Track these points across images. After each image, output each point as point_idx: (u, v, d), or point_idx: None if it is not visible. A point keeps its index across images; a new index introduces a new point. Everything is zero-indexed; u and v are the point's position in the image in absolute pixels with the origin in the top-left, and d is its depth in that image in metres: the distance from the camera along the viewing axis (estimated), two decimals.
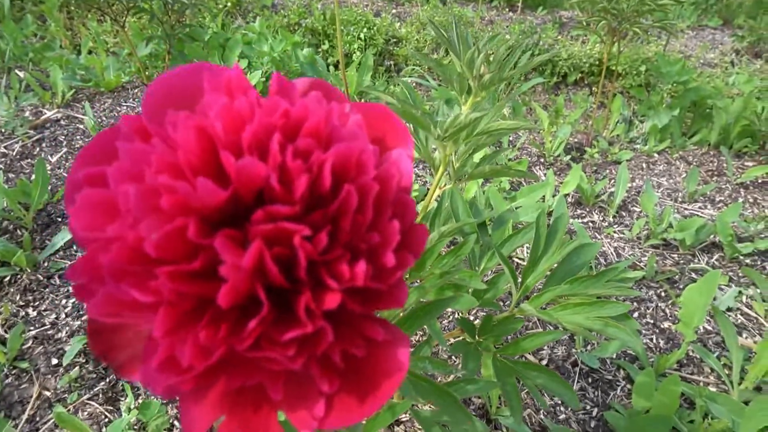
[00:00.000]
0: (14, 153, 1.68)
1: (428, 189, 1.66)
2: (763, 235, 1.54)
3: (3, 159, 1.64)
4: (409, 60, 2.52)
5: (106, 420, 0.98)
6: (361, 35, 2.45)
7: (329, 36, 2.52)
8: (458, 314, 1.23)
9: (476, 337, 0.72)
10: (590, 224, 1.62)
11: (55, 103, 1.96)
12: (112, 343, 0.25)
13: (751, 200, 1.76)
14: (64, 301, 1.21)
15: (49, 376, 1.05)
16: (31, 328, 1.15)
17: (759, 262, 1.47)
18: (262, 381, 0.23)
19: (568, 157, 1.92)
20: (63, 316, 1.18)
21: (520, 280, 0.72)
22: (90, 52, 2.34)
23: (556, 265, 0.73)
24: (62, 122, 1.87)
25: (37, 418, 0.98)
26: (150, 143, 0.22)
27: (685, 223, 1.50)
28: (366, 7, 3.14)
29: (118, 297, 0.21)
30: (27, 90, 2.02)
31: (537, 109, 2.09)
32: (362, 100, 2.04)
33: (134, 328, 0.25)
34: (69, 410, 0.99)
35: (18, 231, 1.37)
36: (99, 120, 1.90)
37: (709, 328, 1.25)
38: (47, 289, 1.24)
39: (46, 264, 1.29)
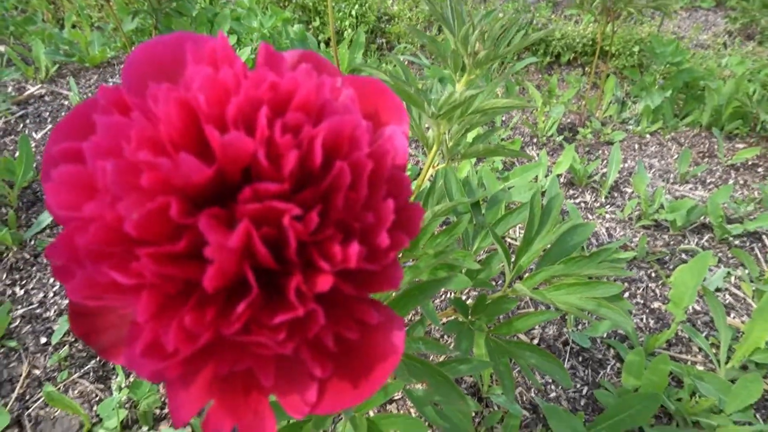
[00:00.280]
0: None
1: (420, 169, 1.65)
2: (752, 217, 1.55)
3: None
4: (401, 38, 2.48)
5: (97, 398, 0.97)
6: (353, 12, 2.40)
7: (320, 13, 2.47)
8: (451, 294, 1.23)
9: (469, 316, 0.72)
10: (582, 204, 1.62)
11: (39, 79, 1.91)
12: (94, 325, 0.24)
13: (741, 182, 1.77)
14: (51, 280, 1.19)
15: (38, 354, 1.04)
16: (19, 306, 1.13)
17: (748, 243, 1.48)
18: (251, 366, 0.22)
19: (561, 137, 1.91)
20: (51, 294, 1.16)
21: (513, 260, 0.71)
22: (74, 26, 2.28)
23: (549, 245, 0.72)
24: (46, 98, 1.83)
25: (27, 397, 0.97)
26: (129, 117, 0.21)
27: (676, 204, 1.50)
28: None
29: (98, 279, 0.20)
30: (9, 65, 1.97)
31: (530, 88, 2.07)
32: None
33: (117, 311, 0.24)
34: (59, 389, 0.98)
35: (2, 209, 1.35)
36: (84, 96, 1.85)
37: (698, 308, 1.26)
38: (34, 268, 1.22)
39: (32, 242, 1.27)
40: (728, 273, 1.36)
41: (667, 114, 2.06)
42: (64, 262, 0.21)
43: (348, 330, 0.22)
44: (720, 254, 1.44)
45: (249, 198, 0.20)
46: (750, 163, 1.86)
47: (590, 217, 1.57)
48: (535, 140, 1.93)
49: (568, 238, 0.74)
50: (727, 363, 1.04)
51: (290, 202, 0.20)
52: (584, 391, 1.06)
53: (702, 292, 1.23)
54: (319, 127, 0.21)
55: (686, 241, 1.48)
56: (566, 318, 1.19)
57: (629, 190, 1.69)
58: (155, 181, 0.19)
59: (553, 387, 1.06)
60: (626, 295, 1.29)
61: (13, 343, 1.05)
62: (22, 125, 1.68)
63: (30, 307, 1.13)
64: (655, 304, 1.27)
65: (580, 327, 1.18)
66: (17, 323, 1.10)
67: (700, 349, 1.16)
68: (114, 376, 1.01)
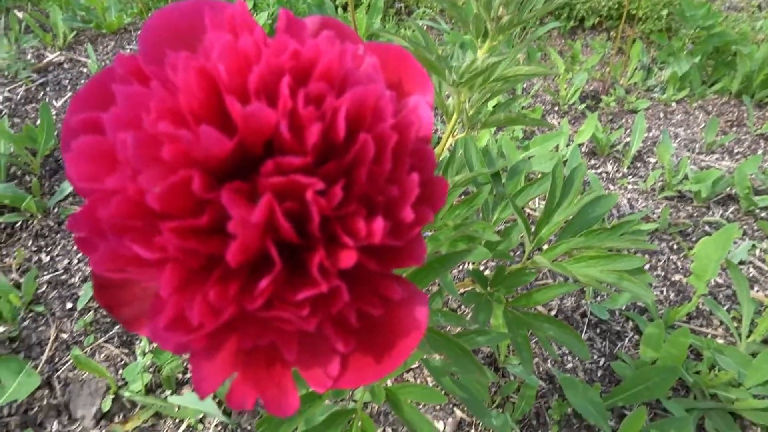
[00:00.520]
0: (18, 97, 1.65)
1: (440, 138, 1.63)
2: None
3: (8, 103, 1.62)
4: (420, 2, 2.41)
5: (122, 362, 1.00)
6: None
7: None
8: (470, 265, 1.23)
9: (488, 288, 0.71)
10: (604, 175, 1.59)
11: (57, 46, 1.90)
12: (117, 298, 0.24)
13: None
14: (75, 248, 1.22)
15: (65, 319, 1.07)
16: (45, 273, 1.16)
17: None
18: (274, 340, 0.22)
19: (584, 105, 1.86)
20: (75, 261, 1.19)
21: (533, 231, 0.70)
22: None
23: (571, 216, 0.71)
24: (65, 65, 1.83)
25: (56, 359, 1.01)
26: (148, 86, 0.20)
27: (702, 174, 1.46)
28: None
29: (120, 252, 0.20)
30: (27, 31, 1.97)
31: (553, 54, 2.01)
32: None
33: (140, 283, 0.24)
34: (86, 353, 1.02)
35: (26, 177, 1.37)
36: (102, 63, 1.85)
37: (720, 281, 1.24)
38: (58, 235, 1.24)
39: (56, 210, 1.29)
40: (753, 246, 1.33)
41: (695, 81, 1.99)
42: (86, 234, 0.21)
43: (371, 306, 0.22)
44: (745, 227, 1.40)
45: (271, 171, 0.20)
46: None
47: (612, 187, 1.54)
48: (556, 108, 1.88)
49: (590, 210, 0.72)
50: (748, 337, 1.03)
51: (313, 175, 0.20)
52: (601, 363, 1.06)
53: (725, 265, 1.21)
54: (343, 97, 0.21)
55: (710, 213, 1.45)
56: (584, 290, 1.18)
57: (652, 161, 1.65)
58: (176, 154, 0.19)
59: (569, 358, 1.06)
60: (647, 267, 1.28)
61: (40, 308, 1.08)
62: (42, 93, 1.69)
63: (55, 273, 1.16)
64: (676, 277, 1.25)
65: (598, 299, 1.17)
66: (44, 289, 1.13)
67: (721, 323, 1.15)
68: (138, 341, 1.04)
